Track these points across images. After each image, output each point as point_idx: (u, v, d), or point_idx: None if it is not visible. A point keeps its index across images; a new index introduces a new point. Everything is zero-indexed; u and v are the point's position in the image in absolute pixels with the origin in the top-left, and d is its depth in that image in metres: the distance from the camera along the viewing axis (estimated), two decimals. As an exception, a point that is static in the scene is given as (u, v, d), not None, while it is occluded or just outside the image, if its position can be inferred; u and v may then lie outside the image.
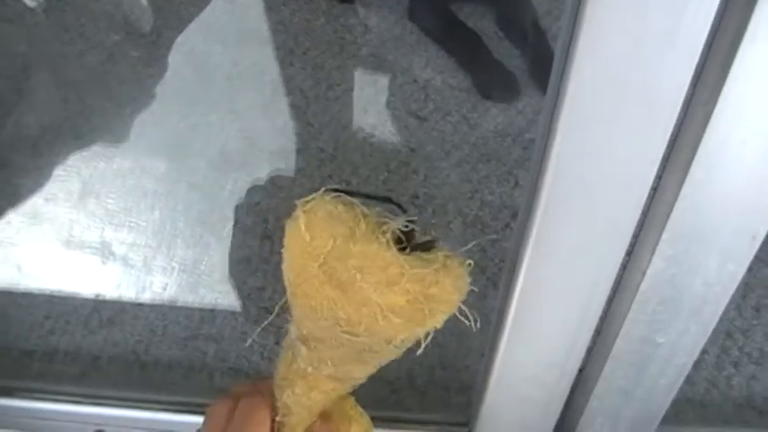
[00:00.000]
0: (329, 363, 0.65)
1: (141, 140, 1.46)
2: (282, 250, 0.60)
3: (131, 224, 1.32)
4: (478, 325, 0.57)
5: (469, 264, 0.59)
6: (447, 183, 1.37)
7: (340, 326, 0.59)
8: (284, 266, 0.62)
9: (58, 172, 1.40)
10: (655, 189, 0.56)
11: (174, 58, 1.62)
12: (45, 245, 1.30)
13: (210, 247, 1.28)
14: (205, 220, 1.32)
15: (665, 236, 0.57)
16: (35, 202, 1.36)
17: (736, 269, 0.59)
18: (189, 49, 1.64)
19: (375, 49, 1.64)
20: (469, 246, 0.62)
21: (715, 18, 0.46)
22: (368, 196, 0.58)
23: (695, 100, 0.51)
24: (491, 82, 1.57)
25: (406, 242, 0.58)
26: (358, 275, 0.56)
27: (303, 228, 0.58)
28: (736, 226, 0.56)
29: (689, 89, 0.49)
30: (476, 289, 0.59)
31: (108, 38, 1.62)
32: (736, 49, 0.47)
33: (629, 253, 0.61)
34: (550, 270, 0.61)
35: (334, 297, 0.58)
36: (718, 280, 0.60)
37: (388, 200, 0.62)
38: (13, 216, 1.34)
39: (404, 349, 0.62)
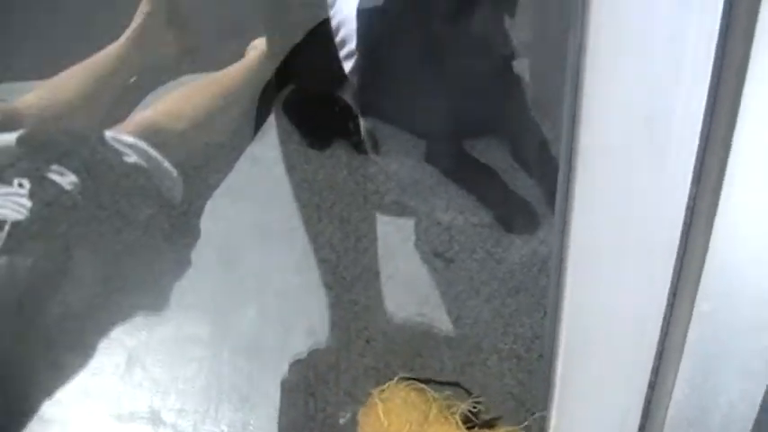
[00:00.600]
0: None
1: (181, 308, 1.51)
2: None
3: (178, 390, 1.36)
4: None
5: None
6: (479, 320, 1.40)
7: None
8: None
9: (103, 345, 1.45)
10: (668, 322, 0.59)
11: (206, 223, 1.68)
12: (96, 419, 1.33)
13: (257, 408, 1.31)
14: (250, 382, 1.35)
15: (684, 363, 0.60)
16: (82, 377, 1.40)
17: (757, 388, 0.62)
18: (220, 213, 1.71)
19: (397, 196, 1.70)
20: (523, 425, 0.64)
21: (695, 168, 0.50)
22: (437, 382, 0.62)
23: (691, 239, 0.55)
24: (511, 215, 1.63)
25: (473, 421, 0.61)
26: None
27: (381, 415, 0.61)
28: (750, 345, 0.59)
29: (681, 237, 0.53)
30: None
31: (142, 212, 1.69)
32: (717, 200, 0.51)
33: (653, 383, 0.64)
34: (579, 407, 0.63)
35: None
36: (742, 399, 0.63)
37: (455, 384, 0.67)
38: (61, 394, 1.37)
39: None
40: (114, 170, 1.73)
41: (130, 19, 2.05)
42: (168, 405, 1.34)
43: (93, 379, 1.39)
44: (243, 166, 1.83)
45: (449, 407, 0.60)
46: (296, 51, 2.00)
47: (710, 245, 0.54)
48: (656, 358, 0.61)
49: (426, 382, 0.60)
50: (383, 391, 0.60)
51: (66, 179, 1.70)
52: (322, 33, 1.96)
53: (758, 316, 0.58)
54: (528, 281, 1.47)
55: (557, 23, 1.94)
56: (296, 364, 1.34)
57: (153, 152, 1.77)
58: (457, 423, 0.59)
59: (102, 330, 1.47)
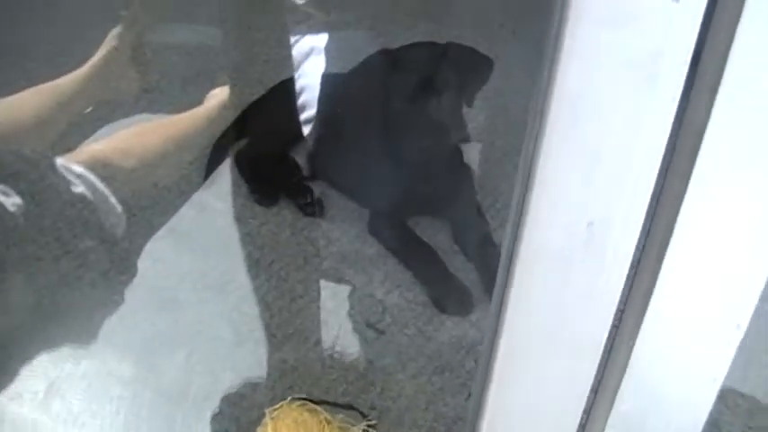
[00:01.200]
0: None
1: (109, 344, 1.50)
2: None
3: (95, 426, 1.35)
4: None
5: None
6: (403, 395, 1.42)
7: None
8: None
9: (25, 371, 1.43)
10: (587, 418, 0.63)
11: (144, 264, 1.69)
12: (7, 446, 1.32)
13: (174, 454, 1.31)
14: (169, 426, 1.35)
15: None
16: (-1, 400, 1.38)
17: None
18: (159, 255, 1.71)
19: (336, 263, 1.73)
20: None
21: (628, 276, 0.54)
22: (331, 404, 0.62)
23: (617, 341, 0.59)
24: (446, 296, 1.66)
25: None
26: None
27: None
28: None
29: (607, 341, 0.57)
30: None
31: (82, 243, 1.69)
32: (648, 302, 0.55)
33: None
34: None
35: None
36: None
37: (349, 407, 0.67)
38: (-24, 416, 1.36)
39: None
40: (60, 198, 1.73)
41: (95, 50, 2.07)
42: (83, 440, 1.33)
43: (9, 404, 1.38)
44: (188, 211, 1.84)
45: (343, 430, 0.60)
46: (255, 106, 2.04)
47: (635, 349, 0.58)
48: None
49: (320, 403, 0.60)
50: (275, 410, 0.60)
51: (10, 200, 1.69)
52: (284, 92, 2.01)
53: (670, 421, 0.62)
54: (455, 362, 1.51)
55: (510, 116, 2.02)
56: (218, 416, 1.34)
57: (100, 185, 1.77)
58: None
59: (27, 356, 1.45)
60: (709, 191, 0.51)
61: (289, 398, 0.60)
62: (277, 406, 0.59)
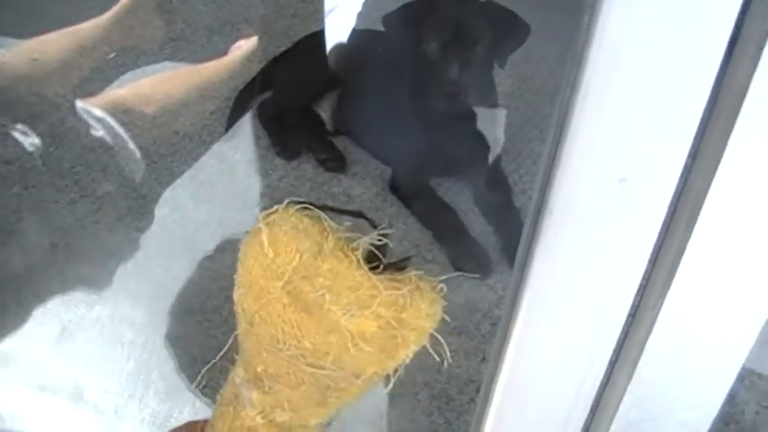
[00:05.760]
0: (285, 406, 0.59)
1: (122, 290, 1.49)
2: (236, 276, 0.55)
3: (106, 371, 1.35)
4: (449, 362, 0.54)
5: (442, 288, 0.56)
6: (416, 354, 1.40)
7: (304, 357, 0.54)
8: (239, 293, 0.55)
9: (38, 312, 1.43)
10: (605, 384, 0.61)
11: (162, 211, 1.67)
12: (17, 386, 1.31)
13: (183, 402, 1.30)
14: (179, 375, 1.34)
15: (614, 425, 0.61)
16: (12, 340, 1.38)
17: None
18: (176, 204, 1.70)
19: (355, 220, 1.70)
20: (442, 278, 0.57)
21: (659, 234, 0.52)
22: (337, 210, 0.53)
23: (643, 302, 0.57)
24: (465, 257, 1.64)
25: (378, 260, 0.53)
26: (327, 296, 0.52)
27: (266, 242, 0.52)
28: (676, 417, 0.61)
29: (635, 299, 0.55)
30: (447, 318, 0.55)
31: (100, 188, 1.68)
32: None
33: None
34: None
35: (299, 322, 0.53)
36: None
37: (358, 214, 0.56)
38: (-13, 355, 1.36)
39: (369, 388, 0.57)
40: (80, 141, 1.72)
41: (120, -4, 2.05)
42: (93, 384, 1.32)
43: (22, 344, 1.37)
44: (208, 161, 1.82)
45: (350, 241, 0.49)
46: (281, 59, 2.01)
47: (662, 311, 0.55)
48: (587, 418, 0.62)
49: (323, 208, 0.49)
50: (269, 214, 0.48)
51: (28, 140, 1.68)
52: (312, 44, 1.97)
53: (691, 391, 0.60)
54: (470, 324, 1.49)
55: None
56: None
57: (120, 130, 1.76)
58: (358, 261, 0.48)
59: (41, 298, 1.45)
60: (748, 153, 0.48)
61: (286, 200, 0.48)
62: (272, 210, 0.48)
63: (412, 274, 0.53)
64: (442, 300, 0.53)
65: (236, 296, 0.56)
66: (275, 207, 0.53)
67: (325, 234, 0.53)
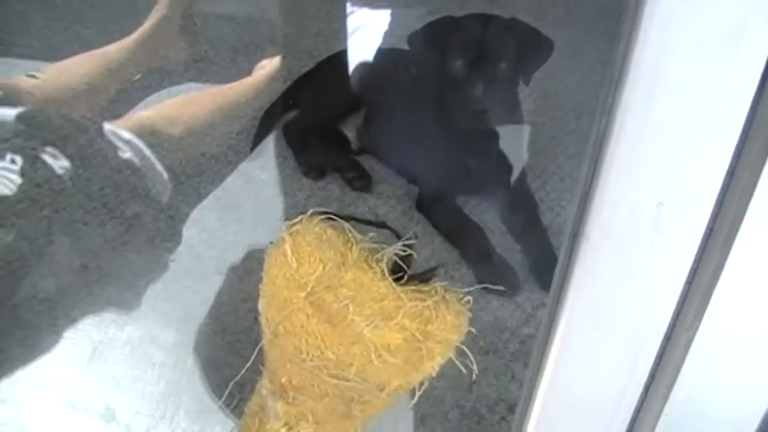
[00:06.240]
0: (310, 418, 0.58)
1: (152, 311, 1.50)
2: (261, 285, 0.55)
3: (137, 392, 1.35)
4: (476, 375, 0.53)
5: (468, 300, 0.56)
6: (446, 374, 1.41)
7: (327, 368, 0.55)
8: (263, 303, 0.56)
9: (69, 334, 1.44)
10: (640, 408, 0.61)
11: (189, 232, 1.68)
12: (50, 407, 1.32)
13: (214, 423, 1.31)
14: (210, 396, 1.35)
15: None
16: (44, 361, 1.39)
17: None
18: (204, 224, 1.71)
19: (382, 239, 1.71)
20: (467, 290, 0.55)
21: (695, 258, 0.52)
22: (361, 221, 0.53)
23: (678, 325, 0.57)
24: (492, 276, 1.64)
25: (402, 271, 0.53)
26: (350, 307, 0.52)
27: (289, 252, 0.52)
28: None
29: (670, 322, 0.55)
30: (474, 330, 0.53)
31: (129, 209, 1.69)
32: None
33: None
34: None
35: (323, 333, 0.53)
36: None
37: (382, 225, 0.57)
38: (21, 375, 1.37)
39: (394, 401, 0.56)
40: (108, 163, 1.73)
41: (145, 18, 2.07)
42: (125, 404, 1.33)
43: (54, 366, 1.39)
44: (234, 181, 1.84)
45: (374, 252, 0.50)
46: (306, 78, 2.02)
47: (697, 334, 0.55)
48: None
49: (346, 219, 0.50)
50: (293, 224, 0.49)
51: (58, 162, 1.70)
52: (336, 64, 1.99)
53: (727, 411, 0.59)
54: (499, 343, 1.49)
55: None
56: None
57: (148, 152, 1.78)
58: (383, 271, 0.49)
59: (72, 319, 1.46)
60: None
61: (310, 211, 0.49)
62: (295, 220, 0.49)
63: (437, 285, 0.53)
64: (468, 312, 0.52)
65: (260, 306, 0.57)
66: (299, 217, 0.53)
67: (349, 244, 0.53)
